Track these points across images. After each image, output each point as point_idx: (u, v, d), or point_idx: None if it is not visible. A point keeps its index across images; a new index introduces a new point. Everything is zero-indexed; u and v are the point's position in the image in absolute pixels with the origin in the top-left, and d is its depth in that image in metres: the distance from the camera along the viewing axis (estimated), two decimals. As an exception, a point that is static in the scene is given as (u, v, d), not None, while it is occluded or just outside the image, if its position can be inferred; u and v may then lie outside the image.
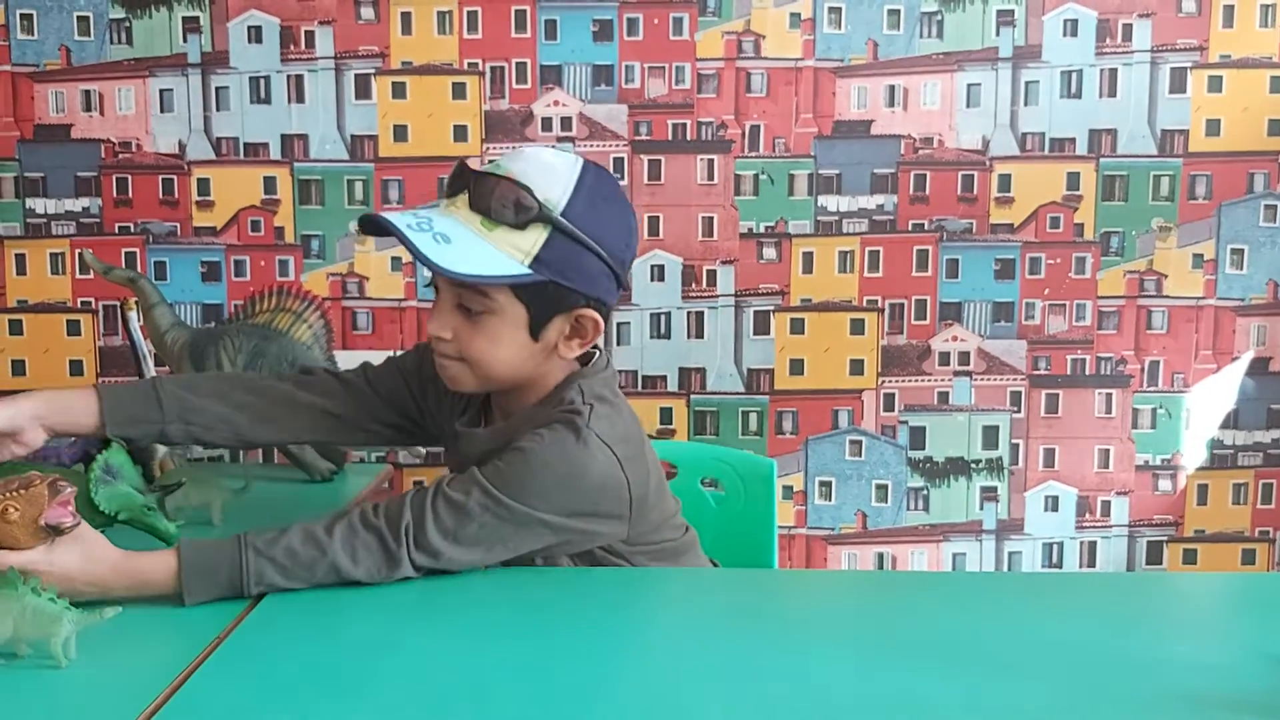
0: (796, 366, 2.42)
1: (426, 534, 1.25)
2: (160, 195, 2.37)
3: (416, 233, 1.25)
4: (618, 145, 2.36)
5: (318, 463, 1.98)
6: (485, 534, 1.27)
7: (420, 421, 1.53)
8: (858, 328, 2.40)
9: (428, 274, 1.33)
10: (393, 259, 2.38)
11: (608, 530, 1.34)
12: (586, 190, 1.29)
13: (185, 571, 1.22)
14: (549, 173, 1.29)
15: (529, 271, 1.27)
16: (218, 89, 2.35)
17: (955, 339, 2.41)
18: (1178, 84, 2.35)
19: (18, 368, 2.40)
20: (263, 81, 2.35)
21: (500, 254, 1.26)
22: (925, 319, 2.40)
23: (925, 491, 2.45)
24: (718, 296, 2.40)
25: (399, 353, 1.58)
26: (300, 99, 2.36)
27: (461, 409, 1.45)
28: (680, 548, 1.47)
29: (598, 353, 1.41)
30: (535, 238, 1.27)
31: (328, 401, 1.52)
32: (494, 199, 1.26)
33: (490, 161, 1.29)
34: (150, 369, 1.98)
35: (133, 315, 1.91)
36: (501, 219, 1.26)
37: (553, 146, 2.27)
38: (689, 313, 2.41)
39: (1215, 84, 2.35)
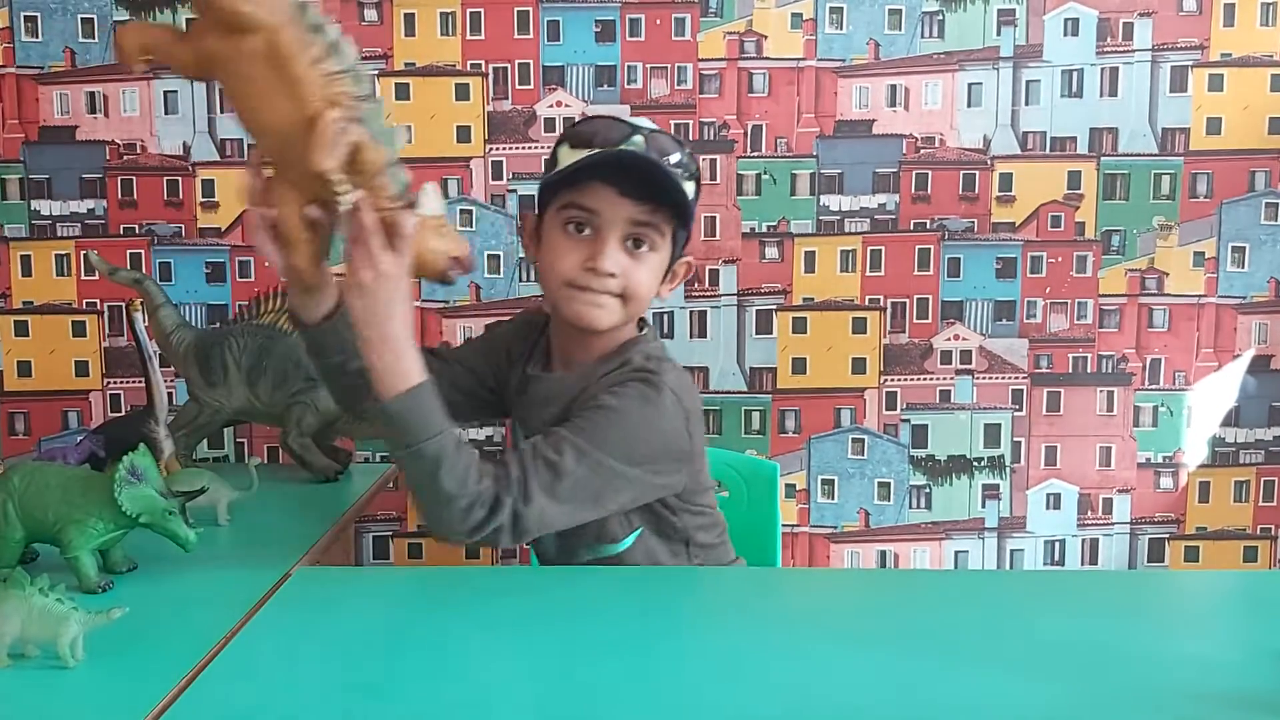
0: (799, 365, 2.42)
1: (530, 488, 1.32)
2: (165, 196, 2.38)
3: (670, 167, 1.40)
4: (620, 145, 2.36)
5: (322, 462, 1.99)
6: (578, 490, 1.34)
7: (495, 390, 1.60)
8: (860, 327, 2.41)
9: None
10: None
11: (672, 481, 1.44)
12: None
13: (416, 388, 1.27)
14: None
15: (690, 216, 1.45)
16: (220, 90, 2.36)
17: (957, 338, 2.42)
18: (1179, 83, 2.35)
19: (24, 369, 2.41)
20: (266, 83, 2.36)
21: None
22: (927, 318, 2.41)
23: (927, 490, 2.46)
24: (720, 296, 2.41)
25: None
26: (304, 100, 2.36)
27: (528, 358, 1.55)
28: (717, 523, 1.56)
29: (647, 326, 1.54)
30: (691, 189, 1.44)
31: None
32: (680, 152, 1.41)
33: (630, 136, 1.41)
34: (156, 370, 1.98)
35: (138, 316, 1.92)
36: (683, 169, 1.42)
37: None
38: (691, 312, 2.41)
39: (1216, 83, 2.35)
